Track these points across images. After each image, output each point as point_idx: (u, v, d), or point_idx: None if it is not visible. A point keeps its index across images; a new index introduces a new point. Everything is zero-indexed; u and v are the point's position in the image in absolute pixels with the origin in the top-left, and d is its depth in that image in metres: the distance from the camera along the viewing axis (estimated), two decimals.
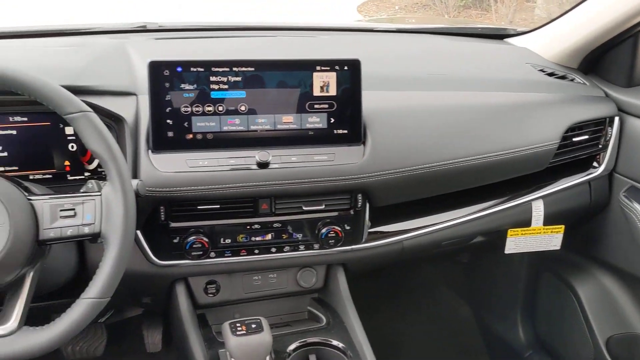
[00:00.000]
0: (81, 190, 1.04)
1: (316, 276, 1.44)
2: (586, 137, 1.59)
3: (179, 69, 1.19)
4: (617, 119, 1.60)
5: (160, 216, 1.23)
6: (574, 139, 1.56)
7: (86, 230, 0.99)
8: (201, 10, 7.69)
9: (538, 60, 1.73)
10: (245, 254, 1.31)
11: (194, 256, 1.26)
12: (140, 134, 1.21)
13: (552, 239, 1.62)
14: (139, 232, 1.23)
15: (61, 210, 0.98)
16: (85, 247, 1.24)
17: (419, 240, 1.44)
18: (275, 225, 1.31)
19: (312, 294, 1.48)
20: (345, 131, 1.29)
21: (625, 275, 1.71)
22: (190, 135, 1.22)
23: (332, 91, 1.27)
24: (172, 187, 1.19)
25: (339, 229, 1.32)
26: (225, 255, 1.30)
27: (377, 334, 1.40)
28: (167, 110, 1.20)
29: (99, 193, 1.00)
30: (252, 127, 1.25)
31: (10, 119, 1.23)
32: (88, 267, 1.25)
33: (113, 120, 1.22)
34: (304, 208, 1.31)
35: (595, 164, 1.64)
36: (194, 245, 1.25)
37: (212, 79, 1.21)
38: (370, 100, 1.31)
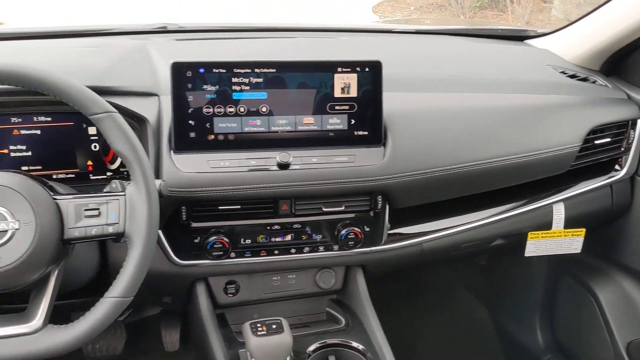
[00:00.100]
0: (105, 190, 1.05)
1: (335, 277, 1.44)
2: (608, 139, 1.57)
3: (202, 70, 1.20)
4: (639, 121, 1.59)
5: (182, 216, 1.24)
6: (596, 142, 1.55)
7: (110, 229, 0.99)
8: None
9: (559, 62, 1.71)
10: (265, 254, 1.31)
11: (215, 256, 1.26)
12: (162, 135, 1.22)
13: (572, 242, 1.60)
14: (160, 232, 1.24)
15: (86, 210, 0.99)
16: (107, 246, 1.26)
17: (439, 243, 1.43)
18: (295, 226, 1.31)
19: (330, 295, 1.48)
20: (366, 133, 1.29)
21: None
22: (212, 136, 1.23)
23: (353, 92, 1.27)
24: (193, 187, 1.20)
25: (359, 230, 1.32)
26: (245, 255, 1.30)
27: (395, 335, 1.39)
28: (189, 111, 1.20)
29: (123, 193, 1.01)
30: (273, 128, 1.25)
31: (35, 118, 1.25)
32: (110, 267, 1.26)
33: (135, 121, 1.23)
34: (323, 209, 1.31)
35: (617, 166, 1.62)
36: (215, 246, 1.25)
37: (234, 80, 1.22)
38: (391, 102, 1.30)
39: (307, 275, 1.43)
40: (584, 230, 1.60)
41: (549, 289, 1.99)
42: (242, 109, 1.23)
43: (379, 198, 1.33)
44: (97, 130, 1.28)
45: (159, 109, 1.24)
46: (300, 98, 1.25)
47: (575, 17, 1.71)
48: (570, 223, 1.56)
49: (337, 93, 1.26)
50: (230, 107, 1.22)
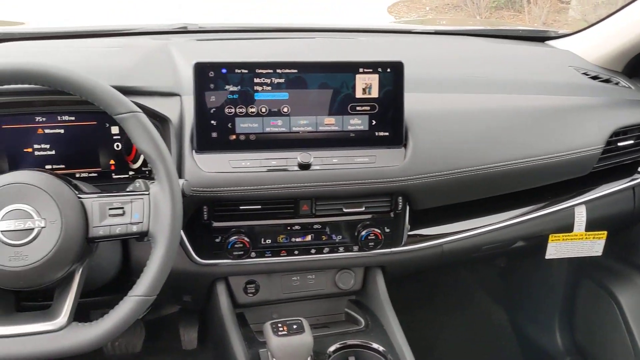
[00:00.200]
0: (128, 189, 1.06)
1: (354, 278, 1.44)
2: (631, 142, 1.56)
3: (224, 71, 1.20)
4: None
5: (203, 216, 1.25)
6: (619, 144, 1.53)
7: (134, 228, 1.00)
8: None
9: (581, 63, 1.70)
10: (285, 254, 1.32)
11: (235, 256, 1.27)
12: (184, 135, 1.23)
13: (594, 245, 1.59)
14: (181, 231, 1.24)
15: (110, 209, 1.00)
16: (129, 245, 1.27)
17: (459, 244, 1.43)
18: (316, 226, 1.31)
19: (349, 296, 1.48)
20: (387, 133, 1.29)
21: None
22: (234, 136, 1.23)
23: (375, 93, 1.27)
24: (215, 187, 1.20)
25: (379, 231, 1.32)
26: (266, 255, 1.31)
27: (414, 337, 1.39)
28: (212, 111, 1.21)
29: (147, 192, 1.02)
30: (294, 129, 1.25)
31: (59, 118, 1.26)
32: (131, 265, 1.27)
33: (158, 121, 1.24)
34: (344, 210, 1.31)
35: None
36: (236, 245, 1.26)
37: (256, 80, 1.22)
38: (412, 103, 1.30)
39: (327, 276, 1.43)
40: (605, 233, 1.59)
41: (568, 291, 1.97)
42: (263, 109, 1.23)
43: (400, 199, 1.32)
44: (120, 129, 1.29)
45: (181, 109, 1.25)
46: (322, 98, 1.25)
47: (592, 18, 1.70)
48: (591, 225, 1.55)
49: (359, 94, 1.26)
50: (251, 107, 1.23)
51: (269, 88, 1.23)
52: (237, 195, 1.22)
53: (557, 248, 1.57)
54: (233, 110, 1.22)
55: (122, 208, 1.00)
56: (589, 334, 1.93)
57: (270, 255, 1.31)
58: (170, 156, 1.03)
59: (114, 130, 1.29)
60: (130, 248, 1.26)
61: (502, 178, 1.39)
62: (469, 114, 1.40)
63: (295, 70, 1.23)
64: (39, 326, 0.96)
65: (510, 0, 9.79)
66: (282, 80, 1.23)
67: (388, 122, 1.28)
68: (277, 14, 7.65)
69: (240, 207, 1.26)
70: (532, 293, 2.05)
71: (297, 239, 1.31)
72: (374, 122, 1.28)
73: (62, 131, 1.26)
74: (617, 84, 1.64)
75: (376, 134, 1.28)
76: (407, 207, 1.34)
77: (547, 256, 1.57)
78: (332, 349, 1.25)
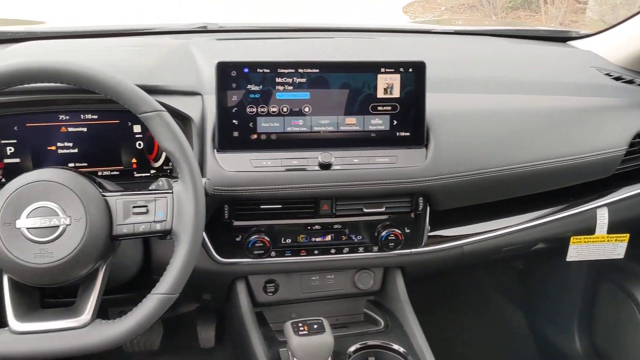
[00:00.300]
0: (151, 188, 1.07)
1: (374, 279, 1.43)
2: None
3: (246, 70, 1.20)
4: None
5: (224, 215, 1.25)
6: None
7: (158, 227, 1.01)
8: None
9: (604, 64, 1.68)
10: (305, 254, 1.32)
11: (256, 255, 1.27)
12: (206, 134, 1.23)
13: (615, 248, 1.57)
14: None
15: (134, 207, 1.01)
16: (150, 243, 1.27)
17: (480, 246, 1.42)
18: (336, 226, 1.31)
19: (368, 297, 1.48)
20: (408, 134, 1.28)
21: None
22: (255, 136, 1.23)
23: (396, 93, 1.26)
24: (236, 186, 1.20)
25: (399, 231, 1.32)
26: (286, 254, 1.31)
27: (431, 338, 1.38)
28: (233, 110, 1.21)
29: (170, 191, 1.02)
30: (315, 128, 1.25)
31: (82, 116, 1.27)
32: (152, 263, 1.27)
33: (180, 120, 1.25)
34: (364, 210, 1.31)
35: None
36: (256, 244, 1.26)
37: (278, 80, 1.22)
38: (433, 103, 1.29)
39: (346, 276, 1.43)
40: (627, 235, 1.57)
41: (588, 294, 1.95)
42: (284, 109, 1.23)
43: (420, 200, 1.32)
44: (142, 128, 1.30)
45: (202, 108, 1.25)
46: (343, 98, 1.25)
47: (610, 18, 1.68)
48: (613, 228, 1.53)
49: (380, 94, 1.26)
50: (273, 106, 1.23)
51: (291, 87, 1.23)
52: (257, 195, 1.22)
53: (579, 250, 1.55)
54: (255, 109, 1.22)
55: (145, 206, 1.01)
56: (609, 337, 1.91)
57: (290, 254, 1.31)
58: (194, 155, 1.04)
59: (136, 129, 1.30)
60: (152, 246, 1.27)
61: (523, 179, 1.38)
62: (491, 114, 1.39)
63: (317, 70, 1.23)
64: (63, 323, 0.97)
65: (527, 0, 9.72)
66: (303, 80, 1.23)
67: (409, 122, 1.27)
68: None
69: (261, 207, 1.26)
70: (550, 295, 2.03)
71: (317, 239, 1.31)
72: (395, 122, 1.27)
73: (85, 129, 1.27)
74: None
75: (397, 134, 1.28)
76: (428, 208, 1.34)
77: (569, 258, 1.56)
78: (352, 349, 1.25)
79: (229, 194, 1.21)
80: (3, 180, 1.26)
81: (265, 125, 1.23)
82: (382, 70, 1.25)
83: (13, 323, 0.96)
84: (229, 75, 1.20)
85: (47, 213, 0.95)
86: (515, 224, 1.45)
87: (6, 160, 1.25)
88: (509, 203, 1.44)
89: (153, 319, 0.99)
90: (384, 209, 1.31)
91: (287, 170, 1.23)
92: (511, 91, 1.47)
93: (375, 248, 1.34)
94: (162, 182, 1.07)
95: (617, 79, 1.61)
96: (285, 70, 1.22)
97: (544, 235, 1.50)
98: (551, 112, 1.44)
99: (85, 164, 1.29)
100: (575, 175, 1.47)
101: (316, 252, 1.32)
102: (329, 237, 1.32)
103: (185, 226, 1.00)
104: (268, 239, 1.27)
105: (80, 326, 0.97)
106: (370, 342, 1.27)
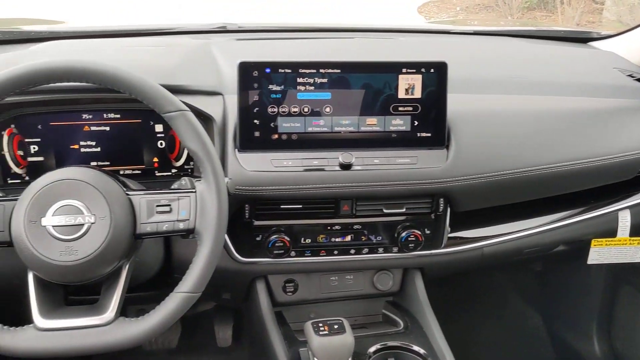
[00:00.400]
0: (173, 187, 1.07)
1: (393, 279, 1.43)
2: None
3: (268, 70, 1.21)
4: None
5: (245, 214, 1.25)
6: None
7: (181, 226, 1.01)
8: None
9: (626, 65, 1.66)
10: (325, 254, 1.32)
11: (276, 254, 1.27)
12: (227, 134, 1.23)
13: (637, 251, 1.56)
14: None
15: (157, 206, 1.01)
16: (171, 242, 1.28)
17: (500, 247, 1.41)
18: (356, 226, 1.31)
19: (387, 297, 1.47)
20: (429, 134, 1.28)
21: None
22: (276, 136, 1.23)
23: (417, 94, 1.26)
24: (257, 186, 1.21)
25: (419, 233, 1.31)
26: (305, 254, 1.31)
27: (450, 340, 1.37)
28: (255, 110, 1.22)
29: (193, 190, 1.03)
30: (336, 129, 1.25)
31: (105, 115, 1.28)
32: (173, 262, 1.28)
33: (202, 119, 1.25)
34: (384, 211, 1.30)
35: None
36: (276, 244, 1.27)
37: (299, 80, 1.22)
38: (454, 103, 1.29)
39: (365, 277, 1.43)
40: None
41: (607, 297, 1.93)
42: (306, 109, 1.23)
43: (441, 201, 1.31)
44: (164, 127, 1.30)
45: (224, 108, 1.26)
46: (364, 99, 1.25)
47: (628, 19, 1.66)
48: (636, 231, 1.51)
49: (401, 94, 1.25)
50: (294, 107, 1.23)
51: (312, 88, 1.23)
52: (278, 195, 1.23)
53: (600, 253, 1.54)
54: (276, 109, 1.22)
55: (169, 205, 1.01)
56: (628, 341, 1.89)
57: (309, 254, 1.31)
58: (217, 155, 1.04)
59: (158, 128, 1.30)
60: (172, 245, 1.28)
61: (545, 181, 1.37)
62: (512, 115, 1.38)
63: (338, 70, 1.23)
64: (87, 320, 0.98)
65: (543, 0, 9.65)
66: (324, 80, 1.23)
67: (430, 123, 1.27)
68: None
69: (281, 207, 1.27)
70: (569, 298, 2.01)
71: (337, 239, 1.31)
72: (416, 123, 1.27)
73: (107, 128, 1.28)
74: None
75: (418, 134, 1.27)
76: (449, 209, 1.33)
77: (589, 261, 1.55)
78: (372, 349, 1.25)
79: (250, 194, 1.21)
80: (27, 178, 1.27)
81: (286, 125, 1.24)
82: (404, 70, 1.24)
83: (38, 320, 0.97)
84: (251, 75, 1.20)
85: (72, 211, 0.96)
86: (536, 225, 1.44)
87: (30, 159, 1.27)
88: (530, 204, 1.43)
89: (176, 317, 1.00)
90: (404, 210, 1.31)
91: (308, 170, 1.23)
92: (533, 92, 1.46)
93: (395, 249, 1.34)
94: (184, 181, 1.07)
95: None
96: (307, 71, 1.22)
97: (565, 237, 1.49)
98: (573, 114, 1.43)
99: (108, 163, 1.30)
100: (597, 177, 1.45)
101: (336, 252, 1.32)
102: (348, 238, 1.32)
103: (208, 225, 1.00)
104: (288, 239, 1.27)
105: (104, 324, 0.98)
106: (390, 343, 1.27)
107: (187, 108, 1.02)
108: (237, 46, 1.59)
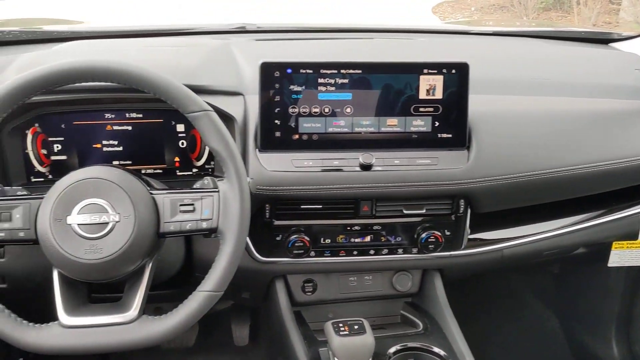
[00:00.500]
0: (195, 186, 1.08)
1: (412, 280, 1.43)
2: None
3: (289, 71, 1.21)
4: None
5: (265, 214, 1.26)
6: None
7: (204, 225, 1.02)
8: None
9: None
10: (344, 254, 1.32)
11: (295, 254, 1.28)
12: (248, 134, 1.24)
13: None
14: None
15: (181, 205, 1.02)
16: (192, 241, 1.29)
17: (520, 249, 1.41)
18: (375, 227, 1.31)
19: (405, 298, 1.47)
20: (450, 135, 1.27)
21: None
22: (297, 136, 1.24)
23: (439, 94, 1.25)
24: (278, 185, 1.21)
25: (439, 234, 1.31)
26: (325, 255, 1.31)
27: (469, 342, 1.37)
28: (276, 110, 1.22)
29: (216, 189, 1.03)
30: (356, 129, 1.25)
31: (127, 115, 1.29)
32: (194, 261, 1.29)
33: (223, 120, 1.25)
34: (404, 211, 1.30)
35: None
36: (296, 244, 1.27)
37: (320, 80, 1.22)
38: (475, 104, 1.28)
39: (384, 277, 1.43)
40: None
41: (626, 300, 1.91)
42: (326, 110, 1.24)
43: (462, 202, 1.31)
44: (185, 127, 1.31)
45: (244, 109, 1.26)
46: (385, 99, 1.25)
47: None
48: None
49: (422, 95, 1.25)
50: (315, 107, 1.23)
51: (333, 88, 1.23)
52: (298, 195, 1.23)
53: (621, 256, 1.53)
54: (297, 110, 1.23)
55: (192, 204, 1.02)
56: None
57: (329, 255, 1.31)
58: (240, 155, 1.05)
59: (180, 128, 1.31)
60: (193, 244, 1.28)
61: (566, 183, 1.36)
62: (533, 116, 1.37)
63: (359, 71, 1.23)
64: (111, 318, 0.99)
65: (559, 1, 9.59)
66: (345, 81, 1.23)
67: (451, 124, 1.27)
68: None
69: (301, 207, 1.27)
70: (587, 301, 1.99)
71: (357, 240, 1.31)
72: (437, 124, 1.26)
73: (129, 128, 1.30)
74: None
75: (439, 135, 1.27)
76: (469, 210, 1.33)
77: (610, 264, 1.54)
78: (392, 350, 1.25)
79: (271, 194, 1.21)
80: (50, 176, 1.29)
81: (307, 125, 1.24)
82: (425, 71, 1.24)
83: (63, 317, 0.98)
84: (272, 75, 1.21)
85: (97, 210, 0.97)
86: (557, 227, 1.43)
87: (53, 157, 1.28)
88: (550, 206, 1.42)
89: (198, 316, 1.01)
90: (424, 211, 1.31)
91: (328, 170, 1.23)
92: (554, 93, 1.45)
93: (415, 250, 1.33)
94: (207, 180, 1.08)
95: None
96: (328, 71, 1.22)
97: (586, 239, 1.48)
98: (595, 115, 1.42)
99: (130, 162, 1.31)
100: (618, 179, 1.44)
101: (355, 252, 1.32)
102: (368, 238, 1.32)
103: (231, 225, 1.01)
104: (308, 239, 1.28)
105: (127, 322, 0.99)
106: (410, 344, 1.27)
107: (210, 108, 1.03)
108: (257, 46, 1.60)
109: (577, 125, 1.40)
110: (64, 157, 1.29)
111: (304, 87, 1.22)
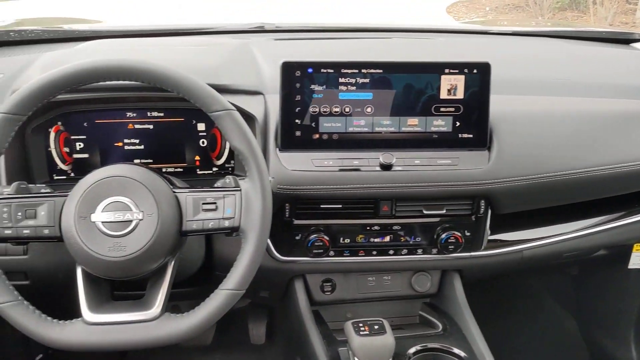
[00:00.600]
0: (217, 185, 1.08)
1: (431, 281, 1.42)
2: None
3: (310, 70, 1.21)
4: None
5: (285, 213, 1.26)
6: None
7: (226, 223, 1.02)
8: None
9: None
10: (363, 254, 1.32)
11: (315, 254, 1.28)
12: (269, 133, 1.24)
13: None
14: None
15: (203, 204, 1.02)
16: (213, 239, 1.29)
17: (540, 251, 1.40)
18: (395, 227, 1.31)
19: (424, 299, 1.47)
20: (471, 135, 1.27)
21: None
22: (317, 135, 1.24)
23: (460, 94, 1.25)
24: (298, 185, 1.21)
25: (459, 234, 1.30)
26: (344, 254, 1.31)
27: (488, 343, 1.36)
28: (296, 110, 1.22)
29: (238, 188, 1.04)
30: (377, 129, 1.25)
31: (148, 114, 1.30)
32: (214, 260, 1.29)
33: (244, 119, 1.26)
34: (424, 212, 1.30)
35: None
36: (316, 243, 1.27)
37: (341, 80, 1.22)
38: (496, 104, 1.27)
39: (403, 278, 1.42)
40: None
41: None
42: (347, 109, 1.24)
43: (482, 203, 1.30)
44: (206, 126, 1.32)
45: (265, 108, 1.26)
46: (405, 99, 1.24)
47: None
48: None
49: (443, 95, 1.25)
50: (335, 106, 1.23)
51: (354, 88, 1.23)
52: (318, 194, 1.23)
53: None
54: (317, 109, 1.23)
55: (214, 203, 1.02)
56: None
57: (348, 254, 1.31)
58: (262, 154, 1.05)
59: (200, 127, 1.32)
60: (214, 243, 1.29)
61: (589, 184, 1.34)
62: (555, 117, 1.36)
63: (380, 71, 1.23)
64: (134, 315, 0.99)
65: (575, 0, 9.51)
66: (366, 80, 1.23)
67: (472, 124, 1.26)
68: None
69: (321, 206, 1.27)
70: (606, 303, 1.98)
71: (376, 240, 1.31)
72: (457, 124, 1.26)
73: (151, 127, 1.30)
74: None
75: (460, 135, 1.27)
76: (489, 211, 1.32)
77: (631, 266, 1.53)
78: (411, 350, 1.24)
79: (291, 193, 1.22)
80: (72, 174, 1.30)
81: (327, 125, 1.24)
82: (446, 71, 1.24)
83: (87, 314, 0.98)
84: (293, 75, 1.21)
85: (121, 208, 0.98)
86: (577, 229, 1.42)
87: (75, 156, 1.29)
88: (571, 207, 1.41)
89: (220, 314, 1.01)
90: (444, 211, 1.30)
91: (348, 170, 1.23)
92: (575, 93, 1.44)
93: (434, 250, 1.33)
94: (229, 179, 1.08)
95: None
96: (349, 71, 1.22)
97: (607, 241, 1.46)
98: (618, 115, 1.40)
99: (151, 161, 1.32)
100: None
101: (374, 252, 1.32)
102: (387, 238, 1.32)
103: (253, 223, 1.01)
104: (327, 239, 1.28)
105: (150, 319, 0.99)
106: (430, 345, 1.26)
107: (233, 107, 1.03)
108: (275, 46, 1.60)
109: (599, 126, 1.38)
110: (86, 155, 1.30)
111: (324, 87, 1.22)
